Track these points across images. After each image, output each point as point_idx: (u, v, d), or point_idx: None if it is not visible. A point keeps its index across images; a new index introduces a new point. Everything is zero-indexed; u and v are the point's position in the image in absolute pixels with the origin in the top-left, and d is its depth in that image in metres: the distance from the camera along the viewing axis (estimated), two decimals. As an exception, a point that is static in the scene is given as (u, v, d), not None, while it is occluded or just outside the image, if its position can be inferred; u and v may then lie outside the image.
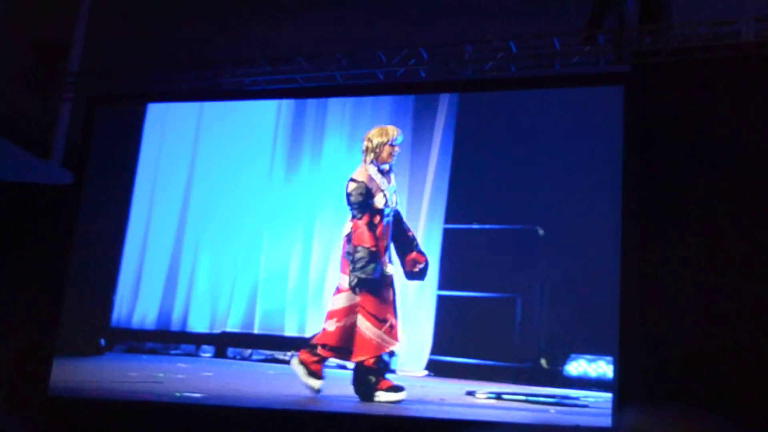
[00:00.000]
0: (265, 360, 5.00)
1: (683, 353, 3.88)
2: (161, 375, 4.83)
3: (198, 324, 5.05)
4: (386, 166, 4.58)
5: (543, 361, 4.39)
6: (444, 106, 4.87)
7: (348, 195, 4.54)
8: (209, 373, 4.89)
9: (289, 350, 4.83)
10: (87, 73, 5.34)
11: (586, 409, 4.14)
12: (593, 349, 4.27)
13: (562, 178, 4.51)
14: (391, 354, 4.44)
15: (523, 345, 4.43)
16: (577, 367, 4.31)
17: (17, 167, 5.18)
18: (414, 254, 4.50)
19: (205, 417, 4.46)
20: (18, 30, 5.25)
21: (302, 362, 4.52)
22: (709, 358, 3.83)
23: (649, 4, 4.38)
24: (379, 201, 4.50)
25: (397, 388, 4.34)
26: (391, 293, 4.44)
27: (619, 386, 3.97)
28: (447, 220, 4.66)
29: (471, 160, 4.80)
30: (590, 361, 4.29)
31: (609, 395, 4.12)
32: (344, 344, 4.44)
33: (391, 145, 4.58)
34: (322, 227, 4.98)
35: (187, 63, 5.19)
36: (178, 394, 4.59)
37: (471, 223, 4.70)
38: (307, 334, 4.79)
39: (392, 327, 4.40)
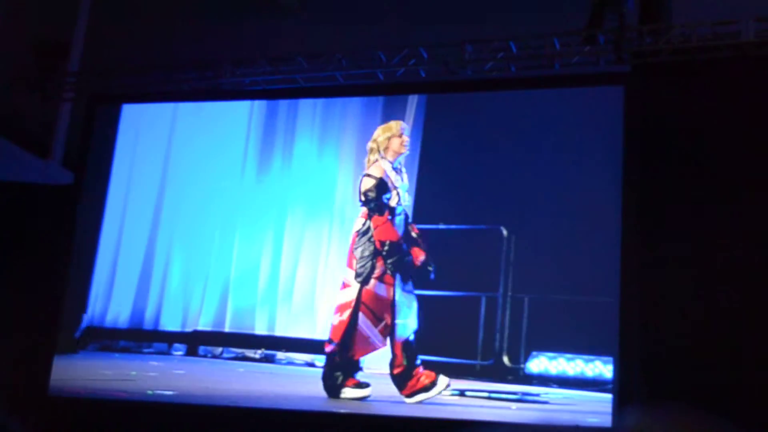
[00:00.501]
0: (236, 358, 5.06)
1: (683, 353, 3.87)
2: (134, 373, 4.88)
3: (170, 322, 5.10)
4: (399, 163, 4.56)
5: (505, 359, 4.48)
6: (412, 107, 4.92)
7: (365, 192, 4.52)
8: (181, 371, 4.95)
9: (259, 348, 4.93)
10: (87, 73, 5.34)
11: (550, 406, 4.22)
12: (561, 347, 4.36)
13: (534, 178, 4.57)
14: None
15: (486, 343, 4.50)
16: (538, 364, 4.40)
17: (17, 167, 5.18)
18: (415, 250, 4.50)
19: (179, 415, 4.48)
20: (18, 30, 5.25)
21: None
22: (708, 359, 3.83)
23: (649, 4, 4.38)
24: (393, 199, 4.50)
25: (363, 385, 4.36)
26: (391, 292, 4.44)
27: (619, 386, 3.97)
28: (413, 220, 4.71)
29: (437, 161, 4.87)
30: (551, 359, 4.39)
31: (572, 392, 4.24)
32: (347, 339, 4.44)
33: (400, 136, 4.57)
34: (293, 227, 5.06)
35: (187, 63, 5.19)
36: (150, 392, 4.62)
37: (437, 223, 4.77)
38: (277, 332, 4.90)
39: (386, 326, 4.39)
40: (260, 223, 5.09)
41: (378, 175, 4.53)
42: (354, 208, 4.82)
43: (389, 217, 4.48)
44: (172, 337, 5.10)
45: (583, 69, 4.49)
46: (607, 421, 3.94)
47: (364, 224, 4.50)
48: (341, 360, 4.42)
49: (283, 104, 5.23)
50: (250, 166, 5.22)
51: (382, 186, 4.50)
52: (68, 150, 5.30)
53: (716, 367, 3.81)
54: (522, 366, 4.43)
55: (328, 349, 4.46)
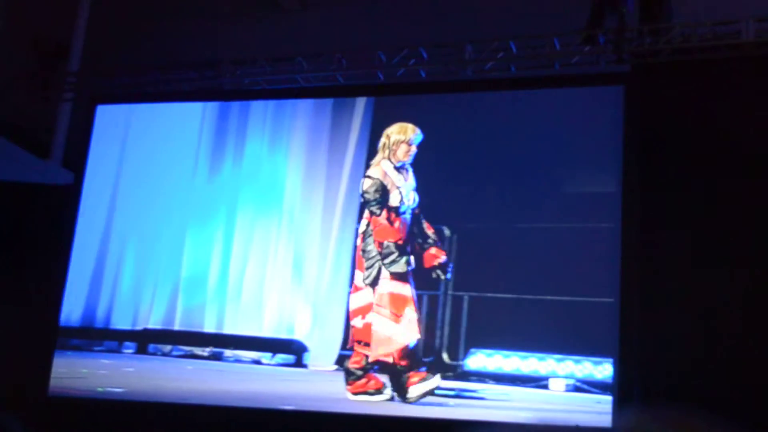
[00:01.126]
0: (185, 356, 5.09)
1: (682, 354, 3.87)
2: (84, 371, 4.91)
3: (121, 321, 5.13)
4: (402, 164, 4.56)
5: (444, 356, 4.54)
6: (360, 107, 4.97)
7: (363, 192, 4.54)
8: (131, 369, 4.98)
9: (207, 346, 5.00)
10: (87, 73, 5.34)
11: (503, 403, 4.30)
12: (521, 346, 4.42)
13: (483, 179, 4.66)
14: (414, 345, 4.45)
15: (427, 340, 4.55)
16: (476, 361, 4.45)
17: (17, 167, 5.18)
18: (433, 250, 4.49)
19: (129, 412, 4.57)
20: (18, 30, 5.25)
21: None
22: (708, 359, 3.83)
23: (649, 4, 4.38)
24: (394, 198, 4.49)
25: (427, 376, 4.34)
26: (408, 289, 4.42)
27: (619, 387, 3.97)
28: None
29: None
30: (489, 355, 4.46)
31: (510, 388, 4.34)
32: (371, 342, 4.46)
33: (409, 144, 4.55)
34: (243, 227, 5.11)
35: (187, 63, 5.19)
36: (100, 389, 4.69)
37: None
38: (226, 331, 4.97)
39: (410, 321, 4.37)
40: (211, 223, 5.16)
41: (377, 176, 4.53)
42: (302, 208, 5.00)
43: (388, 218, 4.48)
44: (122, 336, 5.14)
45: (583, 69, 4.49)
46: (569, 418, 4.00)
47: (367, 226, 4.52)
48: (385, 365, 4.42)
49: (235, 105, 5.28)
50: (202, 167, 5.26)
51: (379, 187, 4.50)
52: (68, 150, 5.30)
53: (716, 367, 3.81)
54: (461, 363, 4.49)
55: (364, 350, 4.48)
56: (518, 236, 4.51)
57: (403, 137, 4.56)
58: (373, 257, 4.45)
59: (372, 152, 4.80)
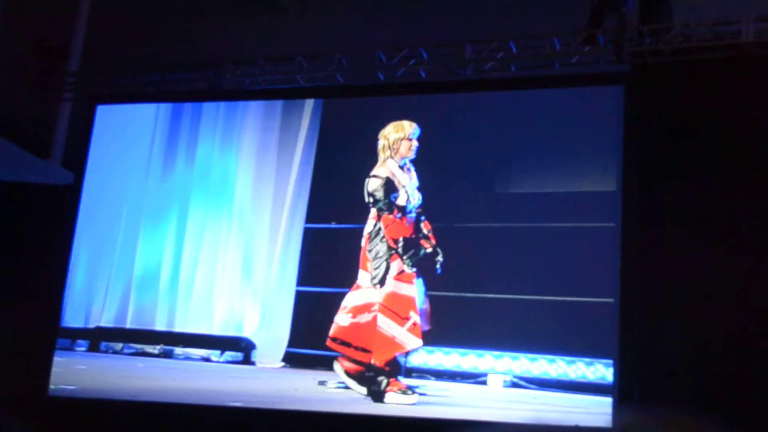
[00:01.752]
0: (136, 353, 5.16)
1: (682, 354, 3.87)
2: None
3: (74, 319, 5.16)
4: (406, 162, 4.54)
5: None
6: (309, 108, 5.04)
7: (372, 193, 4.51)
8: (83, 366, 5.02)
9: (158, 344, 5.09)
10: (87, 73, 5.34)
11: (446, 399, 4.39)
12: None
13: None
14: (407, 354, 4.46)
15: None
16: (417, 357, 4.51)
17: (17, 167, 5.18)
18: (423, 242, 4.50)
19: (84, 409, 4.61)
20: (18, 30, 5.25)
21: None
22: (707, 360, 3.83)
23: (649, 4, 4.37)
24: (401, 198, 4.49)
25: (408, 391, 4.33)
26: (412, 290, 4.41)
27: (619, 387, 3.97)
28: (308, 220, 4.88)
29: (332, 162, 5.02)
30: (429, 352, 4.56)
31: (449, 384, 4.44)
32: (356, 341, 4.44)
33: (409, 140, 4.53)
34: (194, 226, 5.21)
35: (187, 63, 5.19)
36: (53, 387, 4.72)
37: (329, 222, 4.95)
38: (176, 329, 5.08)
39: (415, 324, 4.35)
40: (163, 223, 5.24)
41: (384, 175, 4.51)
42: (252, 208, 5.11)
43: (398, 215, 4.48)
44: (75, 334, 5.18)
45: (583, 69, 4.49)
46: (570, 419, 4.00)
47: (375, 225, 4.49)
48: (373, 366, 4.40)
49: (188, 107, 5.36)
50: (155, 167, 5.33)
51: (389, 185, 4.49)
52: (68, 150, 5.30)
53: (716, 368, 3.81)
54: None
55: (341, 350, 4.48)
56: (513, 236, 4.53)
57: (402, 134, 4.55)
58: (381, 256, 4.43)
59: (320, 152, 4.96)
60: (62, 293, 5.00)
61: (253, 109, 5.20)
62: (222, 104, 5.27)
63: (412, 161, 4.55)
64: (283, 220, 5.03)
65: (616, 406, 3.96)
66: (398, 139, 4.54)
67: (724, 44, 4.15)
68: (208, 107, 5.32)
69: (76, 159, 5.21)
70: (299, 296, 4.91)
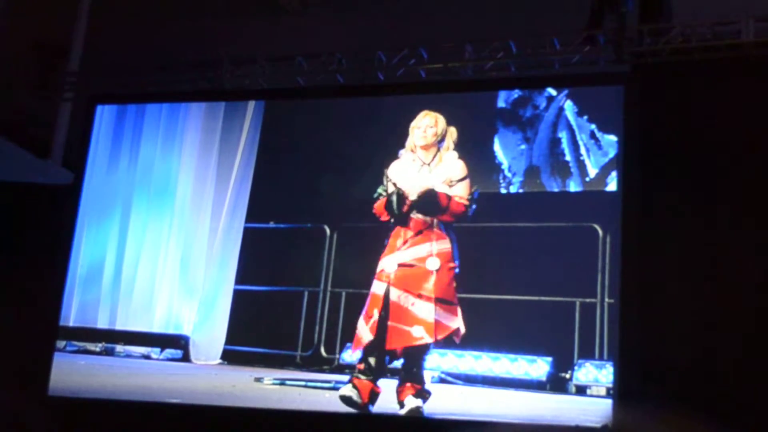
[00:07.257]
0: (77, 351, 5.22)
1: (682, 355, 3.87)
2: None
3: None
4: (423, 154, 4.34)
5: (322, 350, 4.78)
6: (251, 109, 5.17)
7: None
8: None
9: (100, 342, 5.19)
10: (87, 73, 5.34)
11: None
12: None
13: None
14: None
15: (306, 335, 4.77)
16: (351, 355, 4.53)
17: (17, 167, 5.18)
18: None
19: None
20: (18, 30, 5.24)
21: None
22: (707, 360, 3.83)
23: (649, 4, 4.37)
24: (389, 188, 4.41)
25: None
26: (383, 289, 4.30)
27: (619, 387, 3.97)
28: (248, 219, 4.99)
29: (272, 163, 5.14)
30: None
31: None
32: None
33: (419, 128, 4.36)
34: (136, 225, 5.32)
35: (187, 63, 5.19)
36: None
37: (268, 221, 5.07)
38: (118, 326, 5.21)
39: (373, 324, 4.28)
40: (106, 222, 5.34)
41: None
42: (192, 207, 5.23)
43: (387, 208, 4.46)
44: None
45: (583, 69, 4.49)
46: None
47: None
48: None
49: (132, 108, 5.47)
50: (99, 166, 5.37)
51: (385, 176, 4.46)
52: (68, 150, 5.30)
53: (715, 368, 3.81)
54: (337, 356, 4.68)
55: None
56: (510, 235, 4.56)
57: (414, 122, 4.41)
58: None
59: (261, 153, 5.10)
60: (62, 293, 5.00)
61: (196, 109, 5.31)
62: (164, 107, 5.39)
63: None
64: (222, 220, 5.15)
65: (616, 406, 3.96)
66: (411, 128, 4.45)
67: (724, 44, 4.15)
68: (152, 109, 5.41)
69: (76, 159, 5.22)
70: (238, 295, 5.02)
